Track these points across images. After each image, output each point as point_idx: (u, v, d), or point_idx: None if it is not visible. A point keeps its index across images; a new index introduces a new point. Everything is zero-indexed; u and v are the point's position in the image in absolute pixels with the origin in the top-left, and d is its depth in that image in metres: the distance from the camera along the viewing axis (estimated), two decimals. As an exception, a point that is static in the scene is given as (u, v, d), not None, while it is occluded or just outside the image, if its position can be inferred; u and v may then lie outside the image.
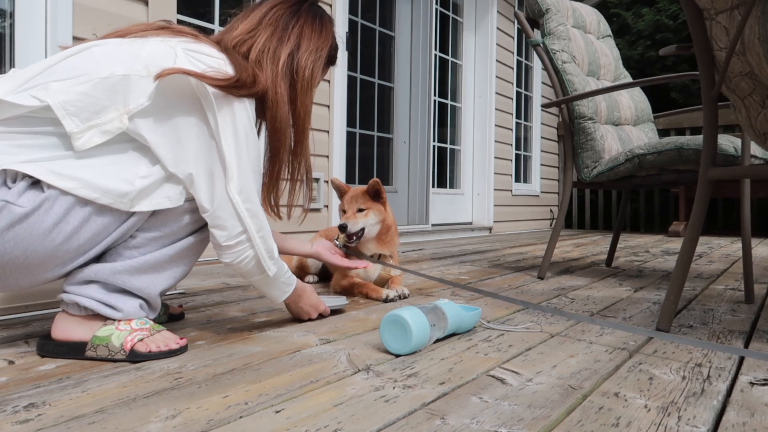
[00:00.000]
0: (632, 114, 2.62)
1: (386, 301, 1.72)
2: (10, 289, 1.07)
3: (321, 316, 1.49)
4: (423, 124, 4.39)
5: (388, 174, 4.29)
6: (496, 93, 5.20)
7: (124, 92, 1.06)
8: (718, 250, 3.65)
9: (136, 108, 1.06)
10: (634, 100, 2.66)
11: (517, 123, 5.71)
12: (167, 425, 0.79)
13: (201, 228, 1.18)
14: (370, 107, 4.10)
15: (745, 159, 1.82)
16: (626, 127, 2.58)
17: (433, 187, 4.69)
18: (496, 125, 5.19)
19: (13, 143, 1.02)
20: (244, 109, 1.13)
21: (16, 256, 0.99)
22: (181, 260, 1.15)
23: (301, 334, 1.32)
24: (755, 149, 1.98)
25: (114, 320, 1.09)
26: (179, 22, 2.54)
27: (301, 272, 2.11)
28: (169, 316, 1.41)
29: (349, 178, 3.82)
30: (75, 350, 1.08)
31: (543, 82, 6.13)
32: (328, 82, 3.33)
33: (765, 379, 1.03)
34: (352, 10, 3.82)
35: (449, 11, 4.95)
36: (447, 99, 4.98)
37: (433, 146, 4.72)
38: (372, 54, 4.10)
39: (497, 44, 5.20)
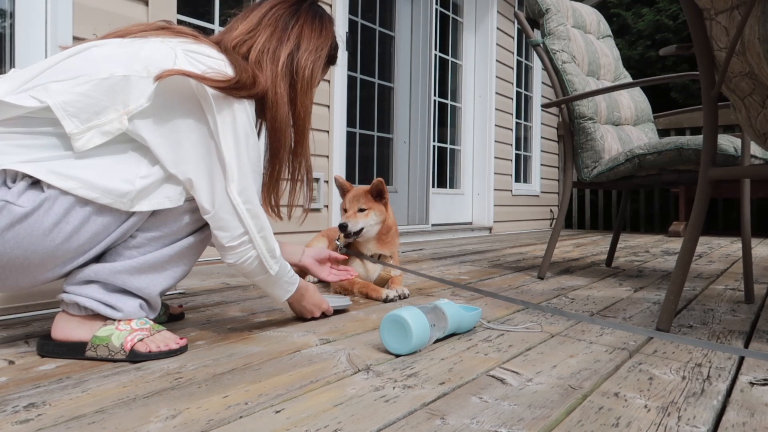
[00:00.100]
0: (632, 114, 2.62)
1: (386, 301, 1.72)
2: (10, 289, 1.07)
3: (324, 315, 1.49)
4: (423, 124, 4.39)
5: (388, 174, 4.29)
6: (496, 93, 5.20)
7: (123, 93, 1.06)
8: (718, 250, 3.65)
9: (136, 109, 1.06)
10: (634, 100, 2.66)
11: (517, 123, 5.71)
12: (167, 425, 0.79)
13: (201, 228, 1.18)
14: (370, 107, 4.10)
15: (745, 159, 1.82)
16: (626, 127, 2.58)
17: (433, 187, 4.69)
18: (496, 125, 5.19)
19: (12, 143, 1.02)
20: (244, 110, 1.13)
21: (16, 256, 0.99)
22: (181, 260, 1.15)
23: (301, 334, 1.32)
24: (755, 149, 1.98)
25: (114, 320, 1.09)
26: (179, 22, 2.54)
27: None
28: (169, 316, 1.41)
29: (349, 178, 3.82)
30: (75, 350, 1.08)
31: (543, 82, 6.13)
32: (328, 82, 3.33)
33: (765, 379, 1.03)
34: (352, 10, 3.82)
35: (449, 11, 4.95)
36: (447, 99, 4.98)
37: (433, 146, 4.72)
38: (372, 54, 4.10)
39: (497, 44, 5.20)
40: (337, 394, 0.92)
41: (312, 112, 1.31)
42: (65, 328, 1.09)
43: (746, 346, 1.28)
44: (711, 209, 5.59)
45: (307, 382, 0.98)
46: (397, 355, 1.14)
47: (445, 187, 4.99)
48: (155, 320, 1.24)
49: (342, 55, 3.44)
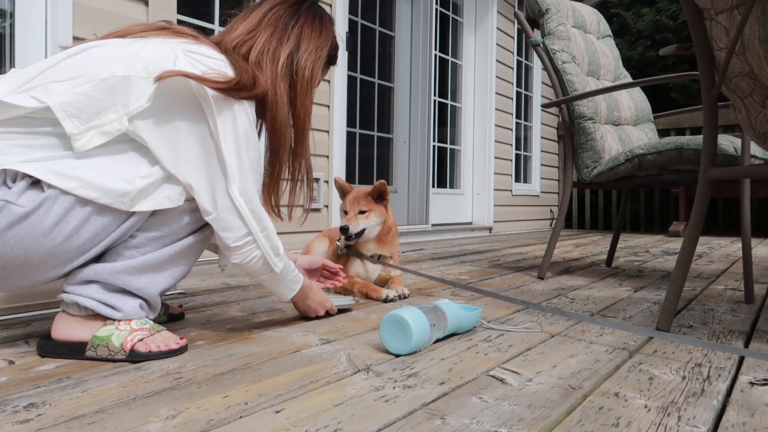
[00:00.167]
0: (632, 114, 2.62)
1: (386, 301, 1.73)
2: (10, 289, 1.07)
3: (328, 314, 1.50)
4: (423, 124, 4.39)
5: (388, 174, 4.29)
6: (496, 93, 5.20)
7: (124, 93, 1.06)
8: (718, 250, 3.65)
9: (136, 109, 1.06)
10: (634, 100, 2.66)
11: (517, 123, 5.71)
12: (167, 425, 0.79)
13: (201, 228, 1.18)
14: (370, 107, 4.10)
15: (745, 159, 1.82)
16: (626, 127, 2.58)
17: (433, 187, 4.69)
18: (496, 125, 5.19)
19: (12, 143, 1.02)
20: (244, 110, 1.13)
21: (16, 255, 0.99)
22: (181, 260, 1.15)
23: (301, 334, 1.32)
24: (755, 149, 1.98)
25: (114, 320, 1.09)
26: (179, 22, 2.54)
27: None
28: (169, 316, 1.41)
29: (349, 178, 3.82)
30: (75, 350, 1.08)
31: (543, 82, 6.13)
32: (328, 82, 3.33)
33: (765, 379, 1.03)
34: (352, 10, 3.82)
35: (449, 11, 4.95)
36: (447, 99, 4.98)
37: (433, 146, 4.72)
38: (372, 54, 4.10)
39: (497, 44, 5.20)
40: (337, 394, 0.92)
41: (312, 112, 1.31)
42: (65, 328, 1.09)
43: (746, 346, 1.28)
44: (711, 209, 5.59)
45: (307, 382, 0.98)
46: (397, 355, 1.14)
47: (445, 187, 4.99)
48: (155, 320, 1.24)
49: (342, 55, 3.44)
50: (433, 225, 4.55)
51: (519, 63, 5.77)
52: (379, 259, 1.86)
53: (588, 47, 2.60)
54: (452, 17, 5.00)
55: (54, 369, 1.03)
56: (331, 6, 3.34)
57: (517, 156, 5.78)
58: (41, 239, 1.00)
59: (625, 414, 0.86)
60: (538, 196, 6.10)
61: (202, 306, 1.63)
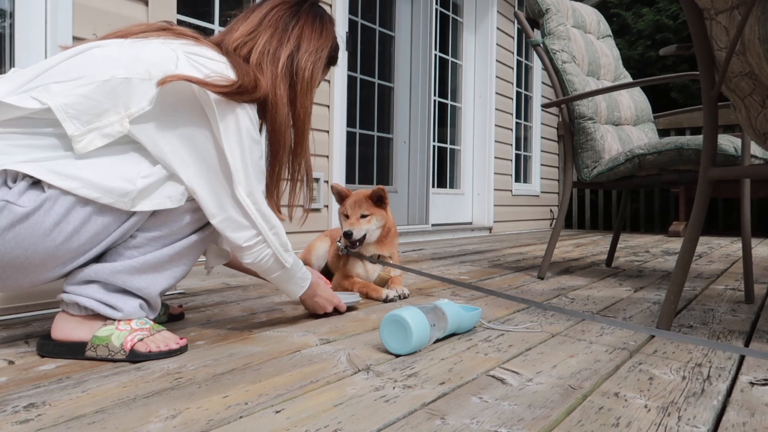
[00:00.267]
0: (632, 114, 2.62)
1: (386, 301, 1.73)
2: (10, 289, 1.07)
3: (336, 311, 1.51)
4: (423, 124, 4.39)
5: (388, 174, 4.29)
6: (496, 93, 5.20)
7: (125, 96, 1.06)
8: (718, 250, 3.65)
9: (138, 112, 1.06)
10: (634, 100, 2.66)
11: (517, 123, 5.71)
12: (167, 425, 0.79)
13: (201, 228, 1.18)
14: (370, 107, 4.10)
15: (745, 159, 1.82)
16: (626, 127, 2.58)
17: (433, 187, 4.69)
18: (496, 125, 5.19)
19: (12, 143, 1.02)
20: (246, 113, 1.14)
21: (17, 255, 0.99)
22: (181, 260, 1.15)
23: (301, 334, 1.32)
24: (755, 149, 1.98)
25: (114, 320, 1.09)
26: (179, 22, 2.54)
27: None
28: (169, 316, 1.41)
29: (350, 178, 3.82)
30: (75, 350, 1.08)
31: (543, 82, 6.13)
32: (328, 82, 3.33)
33: (765, 379, 1.03)
34: (352, 10, 3.82)
35: (449, 11, 4.95)
36: (447, 99, 4.98)
37: (433, 146, 4.72)
38: (372, 54, 4.10)
39: (497, 44, 5.20)
40: (337, 394, 0.92)
41: (312, 112, 1.31)
42: (65, 328, 1.09)
43: (746, 345, 1.28)
44: (711, 209, 5.59)
45: (307, 382, 0.98)
46: (397, 355, 1.14)
47: (445, 187, 4.99)
48: (155, 320, 1.24)
49: (342, 55, 3.43)
50: (433, 225, 4.55)
51: (519, 63, 5.77)
52: (378, 259, 1.86)
53: (588, 47, 2.60)
54: (452, 17, 5.00)
55: (54, 369, 1.03)
56: (331, 6, 3.34)
57: (517, 156, 5.78)
58: (42, 239, 1.00)
59: (625, 414, 0.86)
60: (538, 196, 6.10)
61: (202, 306, 1.63)
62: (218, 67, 1.13)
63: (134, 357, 1.07)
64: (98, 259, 1.11)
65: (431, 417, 0.83)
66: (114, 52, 1.10)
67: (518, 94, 5.74)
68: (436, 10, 4.72)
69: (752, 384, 1.00)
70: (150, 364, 1.07)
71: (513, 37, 5.53)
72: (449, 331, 1.26)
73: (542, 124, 6.17)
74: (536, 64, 6.03)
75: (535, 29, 2.52)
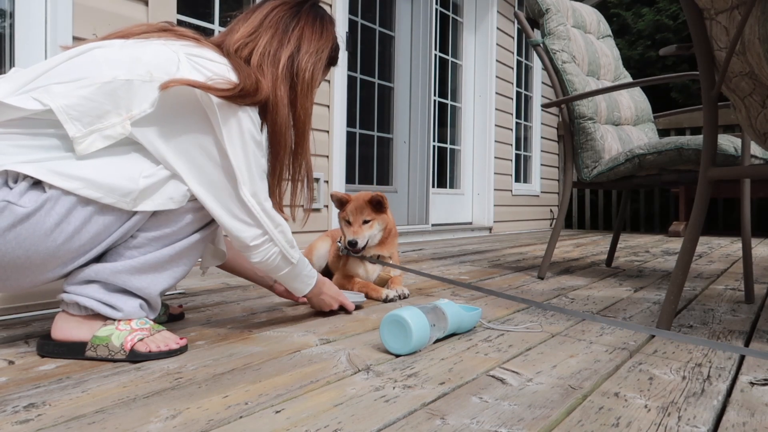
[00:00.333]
0: (632, 114, 2.62)
1: (386, 301, 1.73)
2: (10, 289, 1.07)
3: (342, 309, 1.53)
4: (423, 124, 4.39)
5: (388, 174, 4.29)
6: (496, 93, 5.20)
7: (126, 97, 1.06)
8: (718, 250, 3.65)
9: (139, 114, 1.06)
10: (634, 100, 2.66)
11: (517, 123, 5.71)
12: (167, 425, 0.79)
13: (201, 228, 1.18)
14: (370, 107, 4.10)
15: (745, 159, 1.82)
16: (626, 127, 2.58)
17: (433, 187, 4.69)
18: (496, 125, 5.19)
19: (13, 144, 1.02)
20: (249, 115, 1.15)
21: (18, 256, 0.99)
22: (181, 260, 1.15)
23: (301, 334, 1.32)
24: (755, 149, 1.98)
25: (114, 320, 1.09)
26: (179, 22, 2.54)
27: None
28: (169, 316, 1.41)
29: (350, 178, 3.82)
30: (75, 350, 1.08)
31: (543, 82, 6.13)
32: (328, 82, 3.33)
33: (765, 379, 1.03)
34: (352, 10, 3.82)
35: (449, 11, 4.95)
36: (447, 99, 4.98)
37: (433, 146, 4.72)
38: (372, 54, 4.10)
39: (497, 44, 5.20)
40: (337, 394, 0.92)
41: (312, 113, 1.32)
42: (65, 328, 1.09)
43: (746, 345, 1.28)
44: (711, 209, 5.59)
45: (307, 382, 0.98)
46: (397, 355, 1.14)
47: (445, 187, 4.99)
48: (155, 320, 1.24)
49: (342, 55, 3.43)
50: (433, 225, 4.55)
51: (519, 63, 5.77)
52: (378, 259, 1.86)
53: (588, 47, 2.60)
54: (452, 17, 5.00)
55: (54, 369, 1.03)
56: (331, 6, 3.34)
57: (517, 156, 5.78)
58: (43, 239, 1.00)
59: (625, 414, 0.86)
60: (538, 196, 6.10)
61: (202, 306, 1.63)
62: (219, 69, 1.13)
63: (134, 357, 1.07)
64: (99, 259, 1.11)
65: (431, 417, 0.83)
66: (115, 54, 1.10)
67: (518, 94, 5.74)
68: (436, 10, 4.72)
69: (752, 384, 1.00)
70: (150, 364, 1.07)
71: (513, 37, 5.53)
72: (449, 331, 1.26)
73: (542, 124, 6.17)
74: (536, 64, 6.03)
75: (535, 29, 2.52)
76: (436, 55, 4.76)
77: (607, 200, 6.51)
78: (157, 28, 1.20)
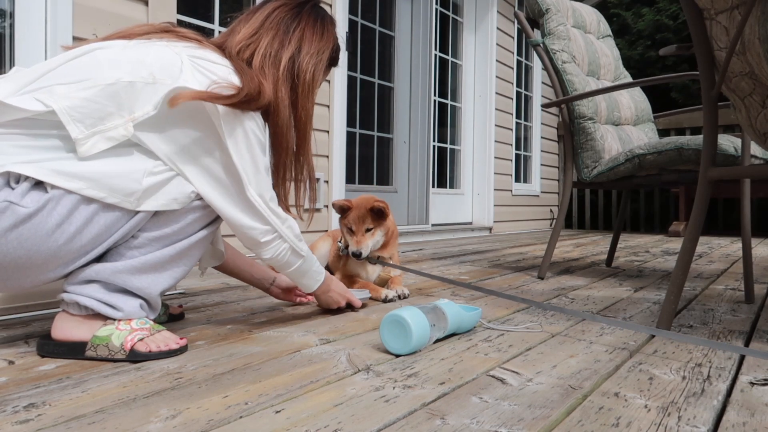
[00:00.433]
0: (632, 114, 2.62)
1: (386, 301, 1.73)
2: (11, 289, 1.07)
3: (349, 306, 1.54)
4: (423, 124, 4.39)
5: (388, 174, 4.29)
6: (496, 93, 5.20)
7: (129, 99, 1.06)
8: (718, 250, 3.65)
9: (142, 116, 1.07)
10: (634, 100, 2.66)
11: (517, 123, 5.71)
12: (167, 425, 0.79)
13: (202, 228, 1.18)
14: (370, 107, 4.10)
15: (745, 159, 1.82)
16: (626, 127, 2.58)
17: (433, 187, 4.69)
18: (496, 125, 5.19)
19: (15, 144, 1.02)
20: (253, 120, 1.16)
21: (19, 256, 0.99)
22: (181, 260, 1.15)
23: (301, 334, 1.32)
24: (755, 149, 1.98)
25: (114, 320, 1.09)
26: (179, 22, 2.54)
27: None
28: (169, 316, 1.41)
29: (350, 178, 3.82)
30: (75, 350, 1.08)
31: (543, 82, 6.13)
32: (328, 82, 3.33)
33: (765, 379, 1.03)
34: (352, 10, 3.82)
35: (449, 11, 4.95)
36: (447, 99, 4.98)
37: (433, 146, 4.72)
38: (372, 54, 4.10)
39: (497, 44, 5.20)
40: (337, 394, 0.92)
41: (313, 114, 1.32)
42: (65, 328, 1.09)
43: (746, 345, 1.28)
44: (711, 209, 5.59)
45: (307, 382, 0.98)
46: (397, 355, 1.14)
47: (445, 187, 4.99)
48: (155, 320, 1.24)
49: (342, 55, 3.43)
50: (433, 225, 4.55)
51: (519, 63, 5.77)
52: (378, 259, 1.86)
53: (588, 47, 2.60)
54: (452, 17, 5.00)
55: (54, 369, 1.03)
56: (331, 6, 3.34)
57: (517, 156, 5.78)
58: (44, 240, 1.00)
59: (625, 414, 0.86)
60: (538, 196, 6.09)
61: (202, 306, 1.63)
62: (222, 72, 1.13)
63: (134, 357, 1.07)
64: (99, 259, 1.11)
65: (431, 417, 0.83)
66: (118, 55, 1.10)
67: (518, 94, 5.74)
68: (436, 10, 4.72)
69: (752, 384, 1.00)
70: (150, 364, 1.07)
71: (513, 37, 5.53)
72: (449, 331, 1.26)
73: (542, 124, 6.17)
74: (536, 64, 6.03)
75: (535, 29, 2.52)
76: (436, 55, 4.76)
77: (607, 200, 6.51)
78: (159, 29, 1.20)
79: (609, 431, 0.79)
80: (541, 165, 6.16)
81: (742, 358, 1.16)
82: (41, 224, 0.99)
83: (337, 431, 0.78)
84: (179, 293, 1.82)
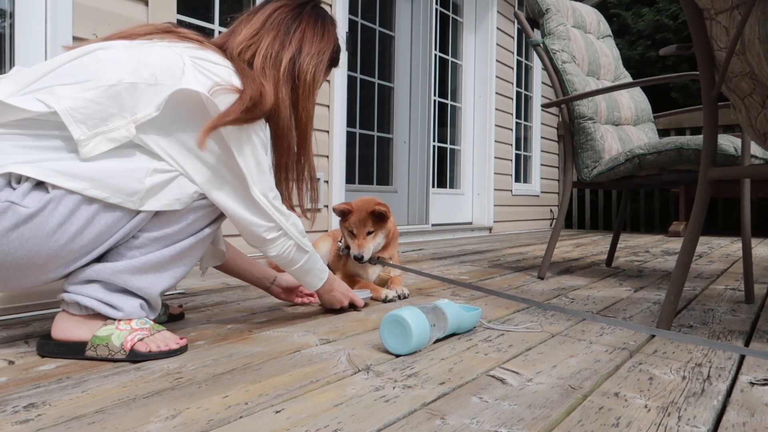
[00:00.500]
0: (632, 114, 2.62)
1: (386, 301, 1.73)
2: (12, 289, 1.07)
3: (351, 305, 1.55)
4: (423, 124, 4.39)
5: (388, 174, 4.29)
6: (496, 93, 5.20)
7: (131, 100, 1.06)
8: (718, 250, 3.65)
9: (144, 117, 1.07)
10: (634, 100, 2.66)
11: (517, 123, 5.71)
12: (167, 425, 0.79)
13: (203, 228, 1.18)
14: (370, 107, 4.10)
15: (745, 159, 1.82)
16: (626, 127, 2.58)
17: (433, 187, 4.69)
18: (496, 125, 5.19)
19: (16, 144, 1.02)
20: (256, 123, 1.17)
21: (20, 256, 0.99)
22: (182, 260, 1.16)
23: (301, 334, 1.32)
24: (755, 149, 1.98)
25: (114, 320, 1.09)
26: (179, 22, 2.54)
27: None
28: (169, 316, 1.41)
29: (350, 178, 3.82)
30: (75, 350, 1.08)
31: (543, 82, 6.13)
32: (329, 82, 3.33)
33: (765, 379, 1.03)
34: (352, 10, 3.82)
35: (449, 11, 4.95)
36: (447, 99, 4.98)
37: (433, 146, 4.72)
38: (372, 54, 4.10)
39: (497, 44, 5.20)
40: (337, 394, 0.92)
41: (314, 115, 1.32)
42: (65, 328, 1.09)
43: (746, 345, 1.28)
44: (711, 209, 5.59)
45: (307, 382, 0.98)
46: (397, 355, 1.14)
47: (445, 187, 4.99)
48: (155, 320, 1.24)
49: (342, 56, 3.44)
50: (433, 225, 4.55)
51: (519, 63, 5.77)
52: (378, 259, 1.86)
53: (588, 47, 2.60)
54: (452, 17, 5.00)
55: (54, 369, 1.03)
56: (331, 6, 3.34)
57: (517, 156, 5.78)
58: (45, 240, 1.00)
59: (625, 414, 0.86)
60: (538, 196, 6.10)
61: (202, 306, 1.63)
62: (223, 73, 1.13)
63: (134, 357, 1.07)
64: (100, 259, 1.11)
65: (431, 417, 0.83)
66: (119, 55, 1.10)
67: (518, 94, 5.74)
68: (436, 10, 4.72)
69: (752, 384, 1.00)
70: (150, 364, 1.07)
71: (513, 37, 5.53)
72: (449, 331, 1.26)
73: (542, 124, 6.17)
74: (536, 64, 6.03)
75: (535, 29, 2.52)
76: (436, 55, 4.76)
77: (607, 200, 6.51)
78: (161, 29, 1.20)
79: (609, 431, 0.79)
80: (541, 165, 6.17)
81: (742, 358, 1.16)
82: (42, 224, 0.99)
83: (337, 431, 0.78)
84: (179, 293, 1.82)
